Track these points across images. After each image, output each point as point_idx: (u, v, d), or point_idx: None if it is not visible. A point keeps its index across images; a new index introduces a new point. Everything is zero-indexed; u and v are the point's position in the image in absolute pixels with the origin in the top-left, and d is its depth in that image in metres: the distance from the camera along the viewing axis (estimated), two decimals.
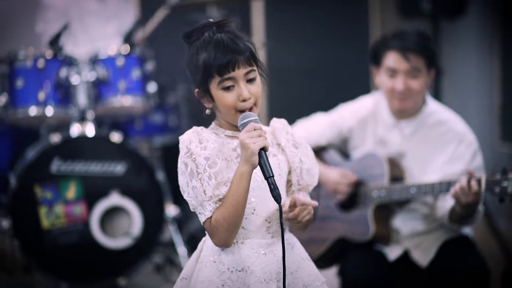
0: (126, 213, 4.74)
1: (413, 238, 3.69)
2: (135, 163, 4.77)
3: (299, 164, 2.50)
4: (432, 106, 3.78)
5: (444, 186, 3.38)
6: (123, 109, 5.03)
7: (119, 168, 4.73)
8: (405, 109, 3.70)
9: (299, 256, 2.53)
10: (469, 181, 3.23)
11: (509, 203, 3.22)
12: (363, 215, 3.68)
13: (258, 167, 2.35)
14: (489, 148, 4.20)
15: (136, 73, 4.95)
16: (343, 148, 3.94)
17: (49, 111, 4.76)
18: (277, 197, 2.31)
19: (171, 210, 4.92)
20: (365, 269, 3.62)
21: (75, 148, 4.74)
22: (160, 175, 4.82)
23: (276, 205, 2.38)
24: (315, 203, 2.44)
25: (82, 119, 4.87)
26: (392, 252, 3.68)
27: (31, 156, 4.68)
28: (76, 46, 5.29)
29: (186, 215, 5.92)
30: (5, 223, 4.64)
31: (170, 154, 5.98)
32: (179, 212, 5.04)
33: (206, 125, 2.51)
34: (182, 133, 5.95)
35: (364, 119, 3.86)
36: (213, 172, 2.37)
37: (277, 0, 6.73)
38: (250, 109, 2.41)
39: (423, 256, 3.65)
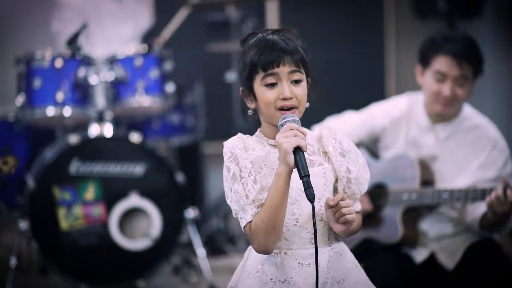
0: (145, 214, 4.71)
1: (439, 241, 3.65)
2: (154, 163, 4.73)
3: (345, 174, 2.45)
4: (467, 110, 3.73)
5: (478, 194, 3.33)
6: (141, 109, 5.00)
7: (138, 169, 4.69)
8: (446, 114, 3.66)
9: (347, 264, 2.48)
10: (505, 190, 3.18)
11: None
12: (391, 217, 3.63)
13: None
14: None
15: (154, 73, 4.91)
16: (372, 148, 3.89)
17: (67, 111, 4.73)
18: (309, 196, 2.26)
19: (190, 211, 4.87)
20: (392, 271, 3.57)
21: (94, 149, 4.70)
22: (180, 176, 4.77)
23: (319, 216, 2.37)
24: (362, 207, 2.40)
25: (100, 119, 4.84)
26: (419, 255, 3.64)
27: (50, 157, 4.64)
28: (93, 46, 5.26)
29: (204, 217, 5.89)
30: (23, 225, 4.59)
31: (187, 154, 5.96)
32: (197, 213, 4.99)
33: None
34: (199, 133, 5.97)
35: (397, 119, 3.81)
36: (259, 177, 2.34)
37: (292, 0, 6.69)
38: (291, 111, 2.37)
39: (449, 259, 3.61)
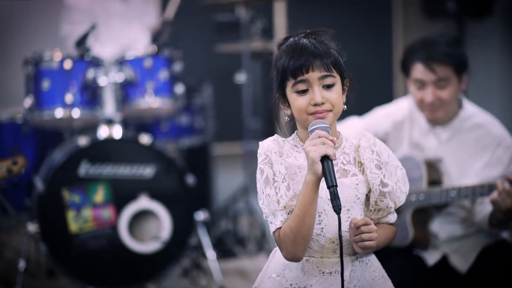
0: (155, 217, 4.67)
1: (451, 243, 3.62)
2: (164, 165, 4.70)
3: (378, 187, 2.39)
4: (469, 109, 3.69)
5: (486, 189, 3.30)
6: (150, 110, 4.98)
7: (148, 171, 4.66)
8: (437, 118, 3.63)
9: (373, 273, 2.44)
10: (507, 185, 3.17)
11: None
12: (401, 219, 3.60)
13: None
14: None
15: (163, 74, 4.89)
16: None
17: (76, 113, 4.71)
18: (336, 208, 2.20)
19: (200, 213, 4.84)
20: (405, 274, 3.53)
21: (103, 151, 4.67)
22: (190, 178, 4.74)
23: (345, 228, 2.33)
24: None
25: (109, 121, 4.81)
26: (431, 257, 3.61)
27: (59, 159, 4.61)
28: (100, 47, 5.23)
29: (213, 219, 5.86)
30: (32, 227, 4.56)
31: (196, 156, 5.93)
32: (207, 215, 4.96)
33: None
34: (208, 135, 5.94)
35: (400, 122, 3.79)
36: (292, 183, 2.30)
37: (299, 1, 6.67)
38: (323, 116, 2.31)
39: (462, 261, 3.58)
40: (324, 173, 2.23)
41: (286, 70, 2.31)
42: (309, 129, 2.30)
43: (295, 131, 2.44)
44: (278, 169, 2.31)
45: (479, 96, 6.48)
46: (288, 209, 2.29)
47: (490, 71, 6.61)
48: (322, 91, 2.31)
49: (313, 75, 2.30)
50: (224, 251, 5.55)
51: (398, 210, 3.57)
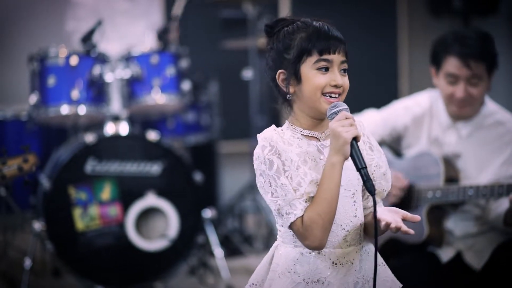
0: (162, 214, 4.64)
1: (465, 240, 3.58)
2: (171, 162, 4.67)
3: (376, 168, 2.37)
4: (490, 106, 3.66)
5: (504, 189, 3.27)
6: (157, 107, 4.96)
7: (155, 168, 4.62)
8: (464, 115, 3.60)
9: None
10: None
11: None
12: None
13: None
14: None
15: (170, 71, 4.87)
16: (395, 146, 3.83)
17: (82, 109, 4.68)
18: (371, 189, 2.20)
19: (207, 211, 4.80)
20: (419, 271, 3.52)
21: (110, 148, 4.64)
22: (198, 176, 4.71)
23: (353, 213, 2.31)
24: (417, 217, 2.31)
25: (115, 118, 4.77)
26: (445, 254, 3.58)
27: (65, 156, 4.58)
28: (106, 44, 5.20)
29: (219, 217, 5.83)
30: (38, 226, 4.53)
31: (202, 153, 5.90)
32: (215, 213, 4.93)
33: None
34: (214, 132, 5.90)
35: (419, 117, 3.75)
36: (307, 169, 2.26)
37: None
38: (337, 99, 2.30)
39: (476, 259, 3.55)
40: (353, 155, 2.22)
41: (312, 46, 2.29)
42: (331, 111, 2.27)
43: (288, 120, 2.40)
44: (290, 158, 2.26)
45: (489, 91, 6.47)
46: (305, 196, 2.24)
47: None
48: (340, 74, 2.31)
49: (338, 58, 2.29)
50: (231, 250, 5.52)
51: (414, 206, 3.56)
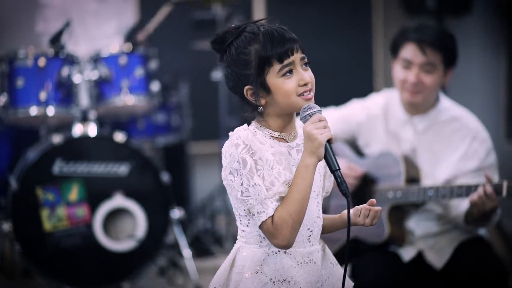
0: (130, 215, 4.65)
1: (427, 239, 3.61)
2: (139, 163, 4.67)
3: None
4: (445, 103, 3.72)
5: (463, 190, 3.29)
6: (126, 108, 4.96)
7: (122, 168, 4.63)
8: (415, 102, 3.64)
9: (329, 261, 2.44)
10: (495, 187, 3.17)
11: None
12: None
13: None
14: (494, 146, 4.15)
15: (139, 72, 4.87)
16: (353, 144, 3.86)
17: (50, 111, 4.67)
18: (345, 191, 2.24)
19: (175, 211, 4.81)
20: (380, 270, 3.54)
21: (78, 149, 4.65)
22: (165, 176, 4.72)
23: (317, 213, 2.36)
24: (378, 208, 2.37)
25: (84, 119, 4.78)
26: (406, 253, 3.60)
27: (33, 157, 4.58)
28: (77, 45, 5.21)
29: (189, 217, 5.84)
30: (6, 226, 4.53)
31: (173, 154, 5.91)
32: (183, 213, 4.94)
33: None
34: (185, 133, 5.90)
35: (374, 115, 3.80)
36: (282, 169, 2.29)
37: None
38: (312, 97, 2.33)
39: (438, 258, 3.58)
40: (327, 157, 2.26)
41: (269, 56, 2.29)
42: (305, 113, 2.30)
43: (255, 121, 2.39)
44: (265, 157, 2.28)
45: (460, 93, 6.48)
46: (277, 196, 2.27)
47: (470, 68, 6.61)
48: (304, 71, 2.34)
49: (297, 57, 2.31)
50: (201, 250, 5.52)
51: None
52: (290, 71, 2.30)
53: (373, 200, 2.37)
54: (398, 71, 3.63)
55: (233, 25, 2.38)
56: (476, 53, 6.59)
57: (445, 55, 3.57)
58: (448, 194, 3.36)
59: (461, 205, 3.44)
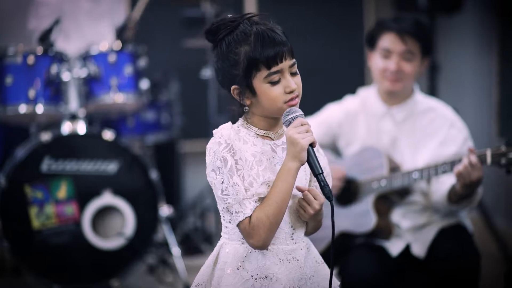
0: (119, 213, 4.65)
1: (414, 232, 3.64)
2: (128, 161, 4.67)
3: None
4: (419, 95, 3.81)
5: (448, 166, 3.34)
6: (115, 106, 4.94)
7: (111, 166, 4.63)
8: (395, 90, 3.70)
9: (314, 259, 2.46)
10: (473, 158, 3.21)
11: None
12: (364, 207, 3.62)
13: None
14: (486, 144, 4.17)
15: (128, 70, 4.86)
16: (334, 147, 3.89)
17: (40, 108, 4.66)
18: (329, 194, 2.26)
19: (164, 209, 4.81)
20: (368, 266, 3.54)
21: (67, 147, 4.64)
22: (154, 174, 4.71)
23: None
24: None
25: (73, 116, 4.77)
26: (394, 247, 3.62)
27: (21, 155, 4.57)
28: (68, 44, 5.20)
29: (180, 215, 5.83)
30: None
31: (163, 152, 5.90)
32: (172, 211, 4.94)
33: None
34: (175, 131, 5.89)
35: (353, 112, 3.85)
36: (261, 170, 2.30)
37: None
38: (296, 102, 2.33)
39: (421, 248, 3.61)
40: (310, 161, 2.28)
41: (256, 61, 2.28)
42: (287, 117, 2.30)
43: (242, 118, 2.40)
44: (245, 157, 2.29)
45: (452, 91, 6.49)
46: (256, 197, 2.29)
47: (462, 66, 6.61)
48: (291, 78, 2.33)
49: (286, 64, 2.30)
50: (191, 248, 5.52)
51: (359, 199, 3.60)
52: (278, 79, 2.30)
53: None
54: (377, 61, 3.70)
55: (229, 16, 2.37)
56: (468, 51, 6.59)
57: (423, 44, 3.69)
58: (433, 173, 3.41)
59: (443, 187, 3.49)
